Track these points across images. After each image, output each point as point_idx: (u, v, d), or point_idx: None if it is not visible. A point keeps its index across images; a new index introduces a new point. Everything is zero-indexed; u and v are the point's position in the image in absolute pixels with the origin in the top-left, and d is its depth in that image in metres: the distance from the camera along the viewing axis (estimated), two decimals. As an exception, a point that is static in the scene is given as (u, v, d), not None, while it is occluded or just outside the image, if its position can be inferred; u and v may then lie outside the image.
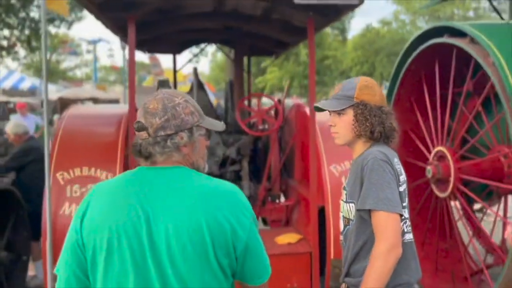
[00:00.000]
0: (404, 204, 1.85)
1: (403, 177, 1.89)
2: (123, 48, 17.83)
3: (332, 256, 3.53)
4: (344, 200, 1.95)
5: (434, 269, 4.82)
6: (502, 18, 5.10)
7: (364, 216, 1.82)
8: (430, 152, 4.75)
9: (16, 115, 10.11)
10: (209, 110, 4.45)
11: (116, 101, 21.28)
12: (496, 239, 4.50)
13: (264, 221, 4.94)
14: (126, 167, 3.55)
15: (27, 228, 4.70)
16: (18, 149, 4.75)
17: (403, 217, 1.83)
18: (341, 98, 1.93)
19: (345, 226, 1.96)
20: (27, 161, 4.70)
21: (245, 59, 5.85)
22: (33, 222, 4.80)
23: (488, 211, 5.00)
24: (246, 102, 5.11)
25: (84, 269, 1.37)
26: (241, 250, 1.38)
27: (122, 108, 4.31)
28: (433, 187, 4.54)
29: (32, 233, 4.71)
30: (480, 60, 3.69)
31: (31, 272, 5.00)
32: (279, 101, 4.71)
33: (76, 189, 3.35)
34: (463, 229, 4.83)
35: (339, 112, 1.93)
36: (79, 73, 46.79)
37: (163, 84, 5.14)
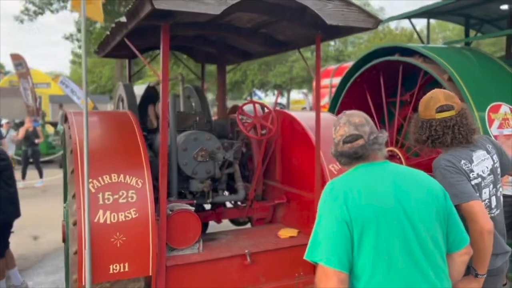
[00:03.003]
0: (485, 191, 2.38)
1: (473, 174, 2.33)
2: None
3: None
4: None
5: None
6: (422, 42, 6.20)
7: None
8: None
9: None
10: (200, 114, 4.59)
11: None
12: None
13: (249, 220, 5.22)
14: (153, 171, 3.57)
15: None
16: None
17: (485, 201, 2.37)
18: None
19: None
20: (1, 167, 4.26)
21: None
22: (2, 234, 4.33)
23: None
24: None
25: (349, 242, 1.74)
26: (448, 215, 1.90)
27: (117, 112, 4.23)
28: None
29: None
30: (435, 75, 4.55)
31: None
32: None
33: (108, 196, 3.28)
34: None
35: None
36: None
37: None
